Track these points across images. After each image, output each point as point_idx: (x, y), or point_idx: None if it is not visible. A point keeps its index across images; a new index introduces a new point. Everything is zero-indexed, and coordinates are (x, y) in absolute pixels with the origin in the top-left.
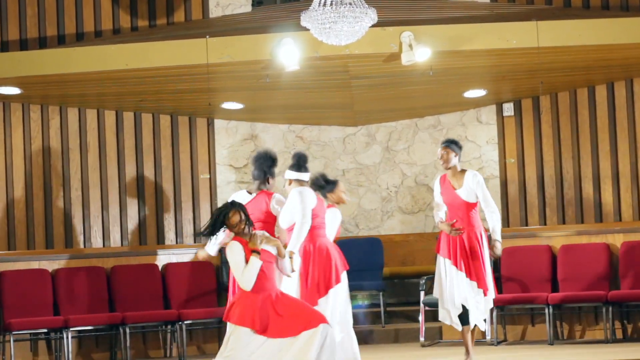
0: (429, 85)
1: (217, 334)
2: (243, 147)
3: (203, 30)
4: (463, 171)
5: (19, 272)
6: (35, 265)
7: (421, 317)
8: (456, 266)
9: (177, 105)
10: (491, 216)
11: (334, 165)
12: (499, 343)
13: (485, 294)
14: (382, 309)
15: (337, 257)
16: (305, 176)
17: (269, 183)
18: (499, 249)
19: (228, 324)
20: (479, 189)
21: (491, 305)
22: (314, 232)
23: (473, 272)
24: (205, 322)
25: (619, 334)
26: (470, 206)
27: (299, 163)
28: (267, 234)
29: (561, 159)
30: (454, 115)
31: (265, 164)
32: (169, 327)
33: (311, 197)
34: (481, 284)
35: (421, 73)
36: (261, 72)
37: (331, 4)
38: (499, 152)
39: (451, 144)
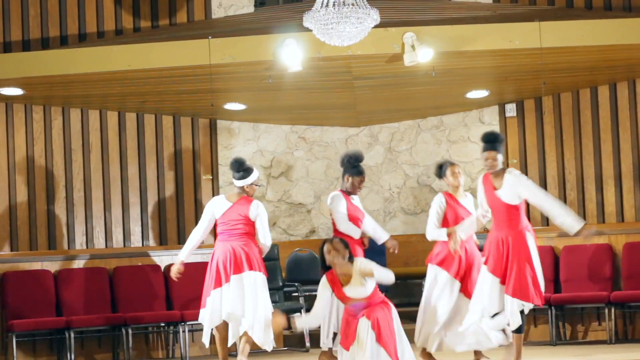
0: (431, 86)
1: None
2: (245, 148)
3: (205, 31)
4: (503, 170)
5: (21, 273)
6: (37, 266)
7: None
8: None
9: (180, 106)
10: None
11: (336, 166)
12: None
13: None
14: None
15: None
16: (236, 182)
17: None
18: (586, 230)
19: None
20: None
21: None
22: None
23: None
24: None
25: (622, 335)
26: (512, 208)
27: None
28: None
29: (563, 160)
30: (457, 115)
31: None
32: (172, 327)
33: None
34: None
35: (424, 74)
36: (264, 73)
37: (334, 5)
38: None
39: (498, 145)
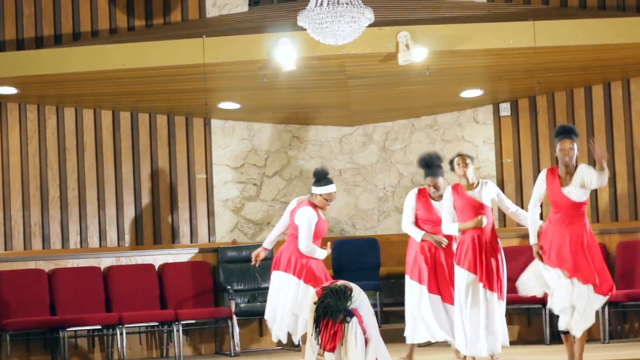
0: (425, 85)
1: (213, 334)
2: (240, 147)
3: (200, 30)
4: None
5: (16, 272)
6: (32, 265)
7: None
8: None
9: (174, 105)
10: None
11: (330, 165)
12: None
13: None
14: (378, 309)
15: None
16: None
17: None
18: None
19: None
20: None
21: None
22: None
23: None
24: (202, 322)
25: (615, 334)
26: (581, 205)
27: None
28: None
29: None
30: (451, 115)
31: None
32: (166, 327)
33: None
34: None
35: (418, 73)
36: (258, 72)
37: (328, 4)
38: (495, 152)
39: (574, 136)
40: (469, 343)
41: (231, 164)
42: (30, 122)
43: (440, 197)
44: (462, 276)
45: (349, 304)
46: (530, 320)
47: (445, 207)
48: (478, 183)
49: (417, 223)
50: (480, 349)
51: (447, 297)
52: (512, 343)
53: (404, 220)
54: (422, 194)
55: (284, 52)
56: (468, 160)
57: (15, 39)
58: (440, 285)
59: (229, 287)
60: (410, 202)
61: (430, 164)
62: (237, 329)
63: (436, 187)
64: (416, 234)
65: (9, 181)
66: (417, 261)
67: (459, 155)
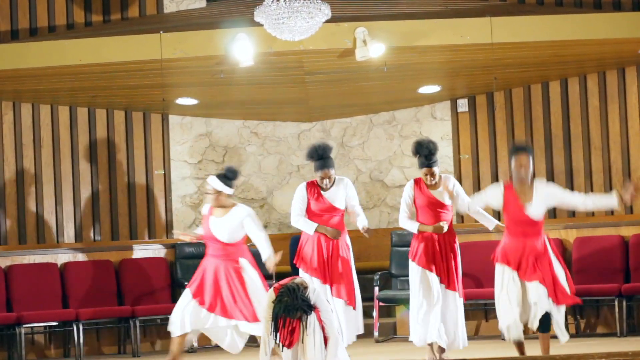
0: (383, 81)
1: None
2: (197, 143)
3: (157, 26)
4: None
5: None
6: None
7: (375, 313)
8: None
9: (131, 100)
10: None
11: (288, 161)
12: None
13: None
14: None
15: None
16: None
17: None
18: None
19: None
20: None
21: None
22: None
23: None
24: (159, 319)
25: (573, 330)
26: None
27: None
28: None
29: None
30: (409, 111)
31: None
32: (123, 323)
33: None
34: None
35: (375, 69)
36: (215, 68)
37: (285, 0)
38: (453, 148)
39: (530, 150)
40: (427, 332)
41: (189, 160)
42: None
43: (332, 187)
44: (415, 272)
45: (307, 300)
46: (487, 315)
47: (403, 202)
48: (440, 179)
49: (310, 215)
50: (440, 336)
51: (337, 291)
52: (469, 338)
53: (293, 213)
54: (312, 185)
55: (241, 48)
56: (435, 170)
57: None
58: (334, 278)
59: (186, 283)
60: (300, 194)
61: (320, 156)
62: None
63: (329, 179)
64: (309, 227)
65: None
66: (312, 256)
67: (427, 166)
